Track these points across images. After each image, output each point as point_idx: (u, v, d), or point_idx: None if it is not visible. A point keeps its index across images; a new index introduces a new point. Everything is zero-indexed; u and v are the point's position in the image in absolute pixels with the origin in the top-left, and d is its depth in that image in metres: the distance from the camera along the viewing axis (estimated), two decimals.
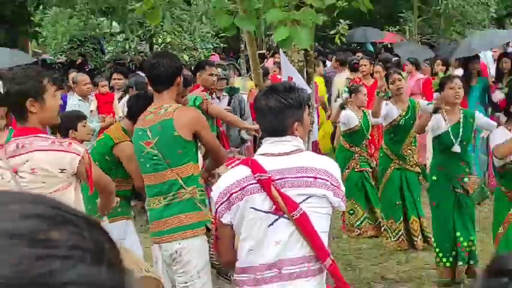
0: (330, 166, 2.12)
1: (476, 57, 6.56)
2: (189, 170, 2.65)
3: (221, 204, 2.04)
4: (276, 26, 2.42)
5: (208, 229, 2.67)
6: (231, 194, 2.02)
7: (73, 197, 2.23)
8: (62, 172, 2.17)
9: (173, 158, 2.62)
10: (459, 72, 6.50)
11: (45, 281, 0.36)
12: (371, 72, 6.59)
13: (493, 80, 6.60)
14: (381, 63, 7.11)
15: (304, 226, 2.01)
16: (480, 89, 6.19)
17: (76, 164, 2.18)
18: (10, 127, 2.94)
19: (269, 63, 4.34)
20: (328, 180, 2.04)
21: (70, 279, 0.37)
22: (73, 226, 0.40)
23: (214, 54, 10.58)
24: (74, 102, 5.22)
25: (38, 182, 2.16)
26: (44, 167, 2.14)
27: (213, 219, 2.54)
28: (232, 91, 5.36)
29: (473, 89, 6.08)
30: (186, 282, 2.63)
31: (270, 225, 2.01)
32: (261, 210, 2.01)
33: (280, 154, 2.05)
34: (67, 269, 0.37)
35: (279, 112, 2.04)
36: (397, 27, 11.88)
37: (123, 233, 3.10)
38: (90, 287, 0.39)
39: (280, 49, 3.18)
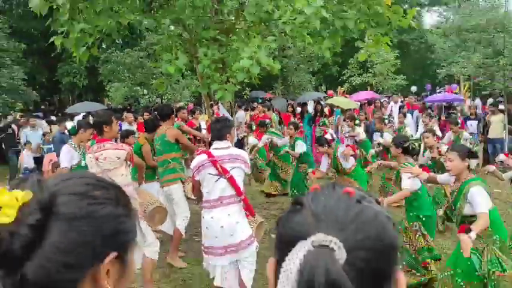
0: (243, 153, 4.01)
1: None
2: (173, 155, 5.30)
3: (195, 171, 3.84)
4: (216, 91, 5.27)
5: (182, 181, 5.29)
6: (199, 167, 3.81)
7: (124, 170, 4.79)
8: (118, 159, 4.25)
9: (166, 149, 5.32)
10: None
11: (92, 214, 0.76)
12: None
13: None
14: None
15: (231, 181, 3.78)
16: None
17: (124, 155, 4.68)
18: (93, 139, 5.59)
19: (215, 107, 7.12)
20: (242, 160, 3.86)
21: (103, 213, 0.77)
22: (105, 189, 0.81)
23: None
24: (124, 126, 9.43)
25: (107, 164, 4.18)
26: (110, 157, 4.22)
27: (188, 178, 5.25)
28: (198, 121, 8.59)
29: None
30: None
31: (216, 181, 3.78)
32: (212, 174, 3.77)
33: (221, 148, 3.87)
34: (102, 208, 0.77)
35: (220, 129, 3.95)
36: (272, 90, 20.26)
37: (153, 187, 5.65)
38: (114, 217, 0.78)
39: (219, 101, 6.07)
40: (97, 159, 4.11)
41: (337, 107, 12.64)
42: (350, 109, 12.54)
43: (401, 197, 4.55)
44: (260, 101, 18.88)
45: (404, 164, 4.62)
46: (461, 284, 3.64)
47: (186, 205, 5.35)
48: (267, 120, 9.08)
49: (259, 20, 5.34)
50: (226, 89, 5.19)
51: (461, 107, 13.96)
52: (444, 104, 14.48)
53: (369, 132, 11.65)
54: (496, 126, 10.47)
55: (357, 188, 0.77)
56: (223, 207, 3.80)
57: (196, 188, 4.05)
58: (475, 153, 3.95)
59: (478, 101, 15.78)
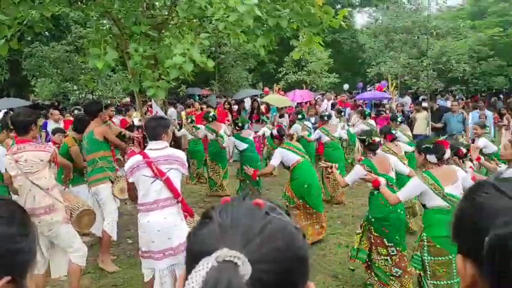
0: (180, 154, 3.83)
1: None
2: (101, 153, 5.06)
3: (129, 172, 3.69)
4: (148, 88, 5.10)
5: (111, 181, 5.07)
6: (133, 168, 3.66)
7: (47, 173, 4.50)
8: (41, 161, 3.86)
9: (94, 148, 5.05)
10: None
11: None
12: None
13: None
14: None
15: (168, 184, 3.66)
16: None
17: (48, 156, 4.05)
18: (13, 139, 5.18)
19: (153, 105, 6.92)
20: (179, 161, 3.73)
21: None
22: None
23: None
24: (50, 125, 9.24)
25: (28, 166, 3.82)
26: (31, 159, 3.83)
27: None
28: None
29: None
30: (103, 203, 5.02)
31: (151, 183, 3.64)
32: (147, 176, 3.64)
33: (157, 149, 3.72)
34: None
35: (156, 128, 3.77)
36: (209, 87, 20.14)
37: (81, 191, 5.38)
38: (7, 238, 0.72)
39: (152, 98, 5.89)
40: (17, 161, 3.83)
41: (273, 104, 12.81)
42: (286, 107, 12.76)
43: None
44: (197, 98, 18.71)
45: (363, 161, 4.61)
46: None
47: (114, 206, 5.14)
48: (211, 113, 8.96)
49: (193, 16, 5.24)
50: (158, 86, 5.04)
51: (389, 104, 14.68)
52: (374, 101, 15.16)
53: None
54: (421, 123, 11.12)
55: (268, 199, 0.75)
56: (160, 211, 3.68)
57: (131, 190, 3.90)
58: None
59: (407, 99, 16.68)
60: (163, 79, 5.13)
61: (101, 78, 12.21)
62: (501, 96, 22.58)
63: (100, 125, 5.21)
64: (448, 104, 13.21)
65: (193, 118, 9.86)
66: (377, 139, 4.64)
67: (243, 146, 7.49)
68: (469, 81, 17.34)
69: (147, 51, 5.17)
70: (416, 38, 15.00)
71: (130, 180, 3.76)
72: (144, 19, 5.64)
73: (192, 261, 0.66)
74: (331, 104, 12.63)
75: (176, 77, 5.00)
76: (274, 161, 6.02)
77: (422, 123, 11.10)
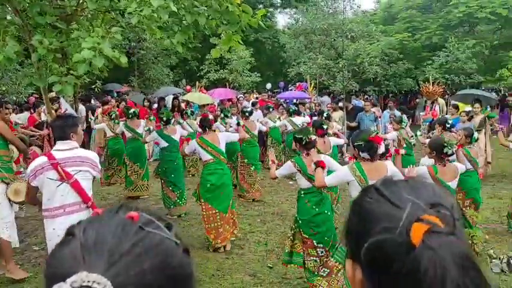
0: (91, 155, 3.65)
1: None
2: None
3: (31, 175, 3.45)
4: (55, 83, 4.75)
5: (5, 182, 4.57)
6: (36, 171, 3.42)
7: None
8: None
9: None
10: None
11: None
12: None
13: None
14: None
15: (75, 187, 3.47)
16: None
17: None
18: None
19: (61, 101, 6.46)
20: (89, 163, 3.54)
21: None
22: None
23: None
24: None
25: None
26: None
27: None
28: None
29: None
30: None
31: (57, 186, 3.44)
32: (52, 179, 3.43)
33: (65, 150, 3.51)
34: None
35: (63, 128, 3.57)
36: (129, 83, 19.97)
37: None
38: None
39: (60, 95, 5.52)
40: None
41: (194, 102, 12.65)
42: (207, 104, 12.65)
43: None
44: (115, 94, 17.95)
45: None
46: None
47: (9, 209, 4.70)
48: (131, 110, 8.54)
49: (104, 8, 4.97)
50: (66, 82, 4.72)
51: (309, 104, 15.15)
52: (295, 100, 15.55)
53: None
54: (336, 122, 11.60)
55: (148, 210, 0.68)
56: (67, 216, 3.44)
57: (31, 195, 3.62)
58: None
59: (325, 98, 17.31)
60: (71, 74, 4.81)
61: (6, 72, 11.20)
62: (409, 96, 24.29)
63: None
64: (363, 103, 13.96)
65: (117, 113, 9.27)
66: (313, 137, 4.67)
67: (163, 144, 7.22)
68: (381, 82, 18.41)
69: (53, 44, 4.82)
70: (333, 40, 15.62)
71: (33, 184, 3.48)
72: (50, 9, 5.24)
73: (47, 286, 0.57)
74: (252, 103, 12.73)
75: (87, 72, 4.73)
76: (187, 149, 6.02)
77: (338, 122, 11.59)
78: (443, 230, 0.68)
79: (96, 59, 4.13)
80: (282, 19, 42.93)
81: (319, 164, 4.08)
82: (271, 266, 5.11)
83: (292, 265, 4.59)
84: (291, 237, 4.53)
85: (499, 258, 5.11)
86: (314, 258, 4.37)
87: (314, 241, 4.36)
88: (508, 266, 4.96)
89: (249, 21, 5.84)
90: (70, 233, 0.64)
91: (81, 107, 11.83)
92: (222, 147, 5.85)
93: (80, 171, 3.49)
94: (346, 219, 0.83)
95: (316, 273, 4.28)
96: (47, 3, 5.34)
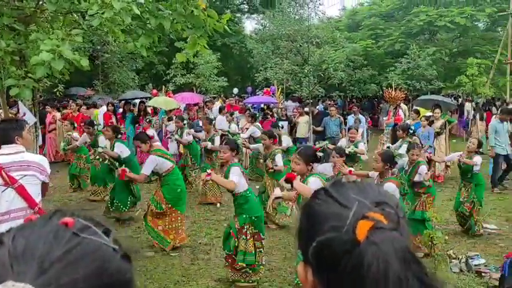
0: (38, 159, 3.53)
1: None
2: None
3: None
4: (12, 86, 4.58)
5: None
6: None
7: None
8: None
9: None
10: None
11: None
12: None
13: None
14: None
15: (21, 192, 3.33)
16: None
17: None
18: None
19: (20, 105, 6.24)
20: (36, 167, 3.41)
21: None
22: None
23: None
24: None
25: None
26: None
27: None
28: None
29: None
30: None
31: (2, 191, 3.31)
32: None
33: (9, 154, 3.38)
34: None
35: (7, 131, 3.44)
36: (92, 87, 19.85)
37: None
38: None
39: (18, 98, 5.34)
40: None
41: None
42: (174, 109, 12.53)
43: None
44: (77, 99, 17.54)
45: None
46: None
47: None
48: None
49: (64, 10, 4.84)
50: (24, 85, 4.57)
51: (276, 109, 15.26)
52: (262, 105, 15.63)
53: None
54: (303, 127, 11.73)
55: (85, 217, 0.66)
56: (12, 222, 3.27)
57: None
58: (319, 157, 4.26)
59: (290, 103, 17.48)
60: (30, 77, 4.66)
61: None
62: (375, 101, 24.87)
63: None
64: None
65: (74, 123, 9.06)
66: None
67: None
68: (346, 87, 18.77)
69: (10, 46, 4.66)
70: (299, 46, 15.81)
71: None
72: (8, 10, 5.07)
73: None
74: (219, 108, 12.69)
75: (47, 76, 4.59)
76: (146, 170, 5.74)
77: (304, 126, 11.73)
78: (386, 226, 0.70)
79: (55, 61, 4.02)
80: (250, 25, 43.14)
81: (291, 179, 4.03)
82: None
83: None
84: (237, 240, 4.69)
85: (458, 258, 5.28)
86: (259, 249, 4.72)
87: (261, 234, 4.74)
88: (466, 266, 5.13)
89: (214, 26, 5.83)
90: None
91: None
92: None
93: (26, 175, 3.37)
94: (297, 223, 0.83)
95: (259, 262, 4.71)
96: (4, 4, 5.16)
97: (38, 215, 3.33)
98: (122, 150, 7.01)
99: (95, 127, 7.95)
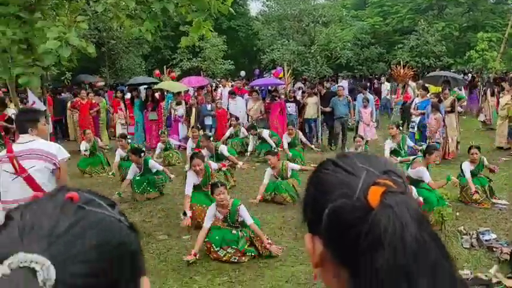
0: (47, 147, 3.50)
1: None
2: None
3: None
4: (20, 76, 4.63)
5: None
6: None
7: None
8: None
9: None
10: None
11: None
12: None
13: None
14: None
15: (29, 181, 3.42)
16: None
17: None
18: None
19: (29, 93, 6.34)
20: (44, 155, 3.44)
21: None
22: None
23: None
24: None
25: None
26: None
27: None
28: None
29: None
30: None
31: (12, 180, 3.44)
32: (8, 172, 3.45)
33: (22, 143, 3.49)
34: None
35: (22, 122, 3.58)
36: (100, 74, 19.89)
37: None
38: None
39: (27, 87, 5.39)
40: None
41: (168, 91, 12.50)
42: (181, 93, 12.54)
43: None
44: (87, 87, 17.60)
45: None
46: None
47: None
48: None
49: None
50: (32, 73, 4.60)
51: (284, 90, 15.18)
52: (269, 87, 15.56)
53: (200, 116, 11.85)
54: (311, 107, 11.67)
55: (90, 192, 0.68)
56: None
57: None
58: None
59: (299, 84, 17.38)
60: (37, 65, 4.70)
61: None
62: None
63: None
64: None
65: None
66: None
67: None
68: (354, 67, 18.60)
69: (17, 35, 4.68)
70: (305, 25, 15.66)
71: None
72: None
73: None
74: (229, 92, 12.64)
75: (55, 64, 4.62)
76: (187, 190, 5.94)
77: (313, 107, 11.66)
78: (397, 189, 0.71)
79: (62, 49, 4.05)
80: (255, 6, 42.69)
81: None
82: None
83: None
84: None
85: (469, 234, 5.29)
86: None
87: None
88: (477, 241, 5.14)
89: (219, 8, 5.78)
90: (8, 216, 0.63)
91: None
92: None
93: (34, 165, 3.43)
94: (303, 195, 0.84)
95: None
96: None
97: None
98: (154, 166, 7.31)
99: (127, 140, 8.05)
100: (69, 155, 3.73)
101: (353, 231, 0.69)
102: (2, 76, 4.92)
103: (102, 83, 18.17)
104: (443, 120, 9.70)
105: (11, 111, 9.68)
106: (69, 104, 11.48)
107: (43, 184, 3.46)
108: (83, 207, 0.62)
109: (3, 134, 8.93)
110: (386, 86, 15.85)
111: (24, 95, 9.94)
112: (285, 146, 9.57)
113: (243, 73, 22.56)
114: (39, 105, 5.10)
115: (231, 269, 4.75)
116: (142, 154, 7.28)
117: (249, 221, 4.86)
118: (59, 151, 3.56)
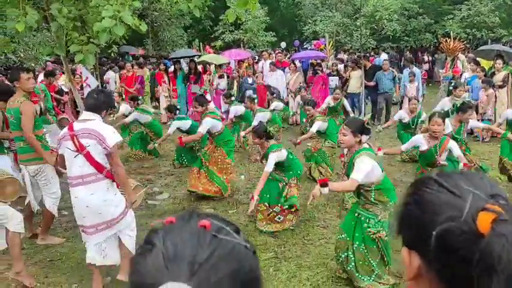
0: (101, 129, 3.53)
1: None
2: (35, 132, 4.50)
3: (58, 144, 3.65)
4: (76, 52, 4.77)
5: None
6: (60, 140, 3.60)
7: None
8: None
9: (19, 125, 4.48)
10: None
11: None
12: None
13: None
14: None
15: (89, 158, 3.51)
16: None
17: None
18: None
19: (83, 70, 6.54)
20: (97, 136, 3.48)
21: None
22: None
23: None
24: None
25: None
26: None
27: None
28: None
29: None
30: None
31: (75, 156, 3.54)
32: (70, 149, 3.55)
33: (84, 120, 3.59)
34: None
35: (91, 102, 3.64)
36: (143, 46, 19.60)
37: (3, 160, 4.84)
38: None
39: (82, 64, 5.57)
40: None
41: (210, 64, 12.55)
42: (223, 67, 12.56)
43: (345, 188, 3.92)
44: (130, 58, 17.90)
45: None
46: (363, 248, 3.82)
47: (58, 183, 4.83)
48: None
49: None
50: (87, 50, 4.74)
51: (326, 63, 14.88)
52: (311, 60, 15.30)
53: (242, 89, 11.86)
54: (355, 81, 11.43)
55: (216, 218, 0.72)
56: (86, 186, 3.56)
57: (59, 162, 3.79)
58: (368, 129, 3.85)
59: (342, 56, 16.98)
60: (92, 42, 4.83)
61: (21, 38, 11.17)
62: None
63: (25, 99, 4.47)
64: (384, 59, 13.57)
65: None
66: None
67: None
68: (400, 38, 17.94)
69: (72, 12, 4.81)
70: None
71: (59, 152, 3.68)
72: None
73: None
74: (270, 64, 12.51)
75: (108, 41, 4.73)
76: (203, 129, 6.17)
77: (357, 81, 11.42)
78: (508, 218, 0.71)
79: (117, 27, 4.13)
80: None
81: (326, 183, 3.57)
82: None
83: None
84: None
85: None
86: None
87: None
88: None
89: None
90: (149, 242, 0.68)
91: (111, 74, 12.12)
92: None
93: (89, 144, 3.51)
94: (401, 211, 0.86)
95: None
96: None
97: (108, 178, 3.60)
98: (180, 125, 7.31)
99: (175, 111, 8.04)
100: (121, 139, 3.84)
101: (461, 254, 0.71)
102: (58, 52, 5.09)
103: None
104: (495, 97, 9.29)
105: (60, 83, 10.02)
106: (117, 78, 11.73)
107: (100, 160, 3.56)
108: (216, 235, 0.67)
109: (54, 104, 9.28)
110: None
111: (74, 66, 10.28)
112: (323, 106, 8.94)
113: (283, 44, 22.24)
114: (93, 81, 5.27)
115: (276, 244, 4.85)
116: (177, 112, 7.70)
117: (266, 167, 4.96)
118: (112, 135, 3.57)
